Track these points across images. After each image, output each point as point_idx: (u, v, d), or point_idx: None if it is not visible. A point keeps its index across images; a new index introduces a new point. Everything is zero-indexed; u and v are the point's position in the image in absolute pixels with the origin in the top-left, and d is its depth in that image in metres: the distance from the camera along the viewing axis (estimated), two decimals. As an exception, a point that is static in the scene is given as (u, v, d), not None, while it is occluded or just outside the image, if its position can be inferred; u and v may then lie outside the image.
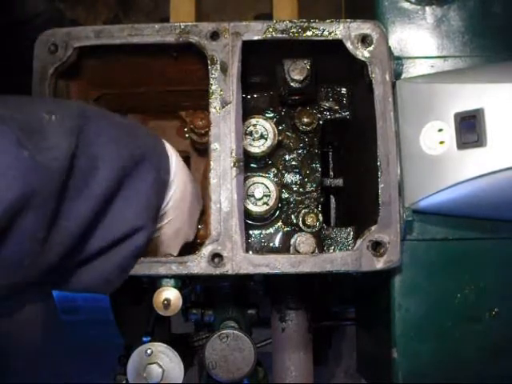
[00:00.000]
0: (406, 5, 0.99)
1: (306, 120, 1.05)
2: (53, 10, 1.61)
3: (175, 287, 0.86)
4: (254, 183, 1.01)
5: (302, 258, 0.85)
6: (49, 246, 0.66)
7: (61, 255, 0.68)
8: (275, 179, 1.06)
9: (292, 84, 0.98)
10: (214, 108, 0.88)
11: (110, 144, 0.72)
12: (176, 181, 0.84)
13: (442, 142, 0.88)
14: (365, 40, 0.89)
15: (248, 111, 1.03)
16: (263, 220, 1.04)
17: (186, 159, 1.11)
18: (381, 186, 0.86)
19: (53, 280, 0.76)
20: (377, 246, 0.85)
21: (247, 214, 0.99)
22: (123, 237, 0.75)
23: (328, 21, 0.90)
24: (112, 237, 0.74)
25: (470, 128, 0.85)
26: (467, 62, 0.97)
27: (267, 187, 1.01)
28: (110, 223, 0.73)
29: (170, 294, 0.86)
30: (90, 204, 0.69)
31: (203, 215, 0.99)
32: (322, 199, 1.07)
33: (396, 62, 0.92)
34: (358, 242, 0.85)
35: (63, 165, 0.64)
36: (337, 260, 0.84)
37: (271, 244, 1.05)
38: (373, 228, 0.85)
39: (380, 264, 0.84)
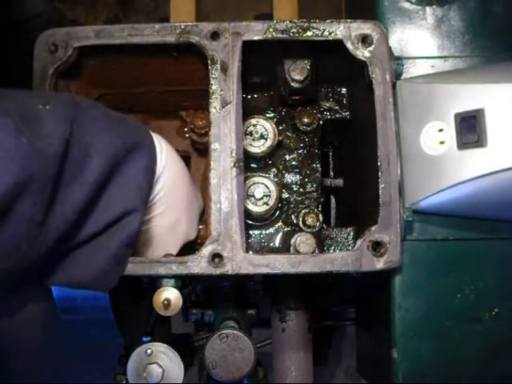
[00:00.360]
0: (407, 5, 0.99)
1: (306, 120, 1.05)
2: (52, 10, 1.61)
3: (175, 287, 0.86)
4: (254, 183, 1.01)
5: (302, 258, 0.85)
6: (46, 230, 0.67)
7: (56, 240, 0.70)
8: (275, 179, 1.06)
9: (292, 84, 0.98)
10: (214, 108, 0.88)
11: (102, 133, 0.74)
12: (166, 173, 0.84)
13: (442, 142, 0.88)
14: (365, 40, 0.89)
15: (248, 111, 1.03)
16: (263, 220, 1.04)
17: (186, 159, 1.11)
18: (381, 186, 0.86)
19: (51, 270, 0.77)
20: (377, 246, 0.85)
21: (247, 214, 0.99)
22: (116, 219, 0.76)
23: (328, 21, 0.90)
24: (104, 221, 0.75)
25: (470, 128, 0.85)
26: (467, 62, 0.97)
27: (267, 187, 1.01)
28: (103, 208, 0.75)
29: (170, 294, 0.86)
30: (85, 190, 0.71)
31: (203, 215, 0.99)
32: (322, 199, 1.07)
33: (396, 62, 0.92)
34: (358, 242, 0.85)
35: (58, 150, 0.66)
36: (337, 260, 0.84)
37: (271, 244, 1.05)
38: (373, 228, 0.85)
39: (380, 264, 0.85)
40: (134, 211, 0.78)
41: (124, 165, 0.77)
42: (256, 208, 1.00)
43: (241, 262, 0.84)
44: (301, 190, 1.07)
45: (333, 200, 1.23)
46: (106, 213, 0.75)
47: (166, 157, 0.84)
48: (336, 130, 1.12)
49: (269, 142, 1.01)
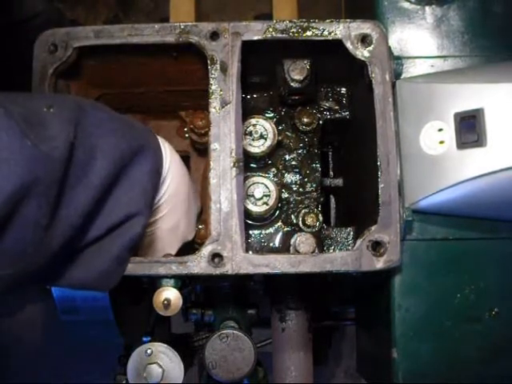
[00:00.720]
0: (406, 5, 0.99)
1: (305, 120, 1.05)
2: (51, 10, 1.61)
3: (175, 287, 0.86)
4: (253, 183, 1.01)
5: (302, 258, 0.85)
6: (51, 234, 0.67)
7: (61, 244, 0.69)
8: (275, 179, 1.06)
9: (292, 84, 0.98)
10: (214, 108, 0.88)
11: (107, 135, 0.73)
12: (170, 175, 0.85)
13: (441, 142, 0.88)
14: (365, 40, 0.89)
15: (248, 111, 1.02)
16: (263, 220, 1.04)
17: (186, 159, 1.11)
18: (381, 185, 0.86)
19: (53, 272, 0.77)
20: (377, 246, 0.85)
21: (247, 214, 0.99)
22: (120, 222, 0.76)
23: (328, 21, 0.90)
24: (108, 224, 0.75)
25: (469, 128, 0.85)
26: (467, 61, 0.97)
27: (267, 187, 1.01)
28: (107, 212, 0.75)
29: (170, 294, 0.86)
30: (90, 194, 0.70)
31: (202, 215, 0.99)
32: (321, 199, 1.07)
33: (396, 61, 0.92)
34: (358, 241, 0.85)
35: (63, 153, 0.66)
36: (337, 260, 0.84)
37: (271, 244, 1.05)
38: (373, 228, 0.85)
39: (380, 264, 0.84)
40: (137, 215, 0.77)
41: (130, 167, 0.76)
42: (256, 208, 1.00)
43: (241, 261, 0.84)
44: (300, 189, 1.07)
45: (332, 200, 1.23)
46: (110, 216, 0.75)
47: (170, 160, 0.84)
48: (336, 130, 1.12)
49: (268, 142, 1.01)
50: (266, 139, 1.01)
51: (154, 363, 0.98)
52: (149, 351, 0.98)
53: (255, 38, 0.90)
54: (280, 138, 1.05)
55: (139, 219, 0.78)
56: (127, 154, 0.75)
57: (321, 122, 1.07)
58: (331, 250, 1.02)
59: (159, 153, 0.82)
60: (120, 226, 0.77)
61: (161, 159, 0.82)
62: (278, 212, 1.05)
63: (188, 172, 0.94)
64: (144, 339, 1.08)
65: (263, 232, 1.05)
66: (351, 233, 1.03)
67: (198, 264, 0.84)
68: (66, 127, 0.67)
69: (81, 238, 0.74)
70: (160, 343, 0.99)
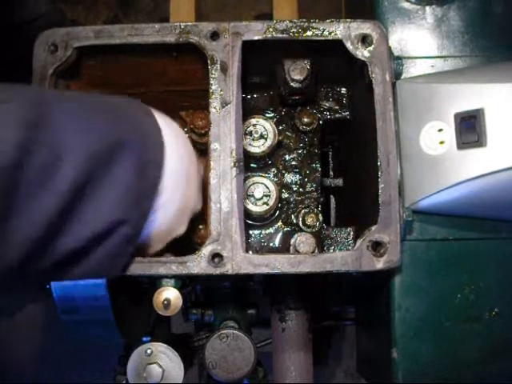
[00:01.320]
0: (406, 5, 0.99)
1: (306, 120, 1.05)
2: (55, 11, 1.61)
3: (175, 287, 0.86)
4: (253, 183, 1.01)
5: (302, 258, 0.85)
6: (4, 249, 0.60)
7: (22, 258, 0.62)
8: (275, 179, 1.06)
9: (292, 84, 0.98)
10: (214, 108, 0.88)
11: (76, 131, 0.64)
12: (171, 163, 0.76)
13: (442, 142, 0.88)
14: (365, 40, 0.89)
15: (248, 111, 1.02)
16: (263, 220, 1.04)
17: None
18: (381, 185, 0.86)
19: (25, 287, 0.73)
20: (377, 246, 0.85)
21: (247, 214, 0.99)
22: (102, 233, 0.67)
23: (328, 21, 0.90)
24: (88, 234, 0.66)
25: (470, 128, 0.85)
26: (467, 61, 0.97)
27: (267, 187, 1.01)
28: (83, 220, 0.65)
29: (170, 294, 0.85)
30: (54, 200, 0.61)
31: (203, 214, 0.99)
32: (321, 199, 1.07)
33: (396, 61, 0.92)
34: (358, 242, 0.85)
35: (11, 159, 0.57)
36: (337, 260, 0.84)
37: (271, 244, 1.05)
38: (373, 228, 0.85)
39: (380, 264, 0.84)
40: (123, 222, 0.68)
41: (108, 167, 0.66)
42: (256, 208, 1.00)
43: (241, 261, 0.84)
44: (300, 189, 1.07)
45: (333, 200, 1.23)
46: (88, 225, 0.66)
47: (170, 148, 0.75)
48: (336, 130, 1.12)
49: (268, 142, 1.01)
50: (266, 139, 1.01)
51: (154, 363, 0.98)
52: (149, 351, 0.99)
53: (255, 37, 0.90)
54: (280, 138, 1.05)
55: (127, 226, 0.69)
56: (102, 152, 0.65)
57: (321, 122, 1.07)
58: (331, 250, 1.02)
59: (150, 139, 0.72)
60: (104, 236, 0.68)
61: (155, 145, 0.72)
62: (278, 212, 1.05)
63: (188, 143, 0.86)
64: (144, 339, 1.08)
65: (263, 232, 1.06)
66: (351, 233, 1.03)
67: (198, 264, 0.84)
68: (16, 128, 0.58)
69: (53, 251, 0.65)
70: (160, 343, 0.99)
